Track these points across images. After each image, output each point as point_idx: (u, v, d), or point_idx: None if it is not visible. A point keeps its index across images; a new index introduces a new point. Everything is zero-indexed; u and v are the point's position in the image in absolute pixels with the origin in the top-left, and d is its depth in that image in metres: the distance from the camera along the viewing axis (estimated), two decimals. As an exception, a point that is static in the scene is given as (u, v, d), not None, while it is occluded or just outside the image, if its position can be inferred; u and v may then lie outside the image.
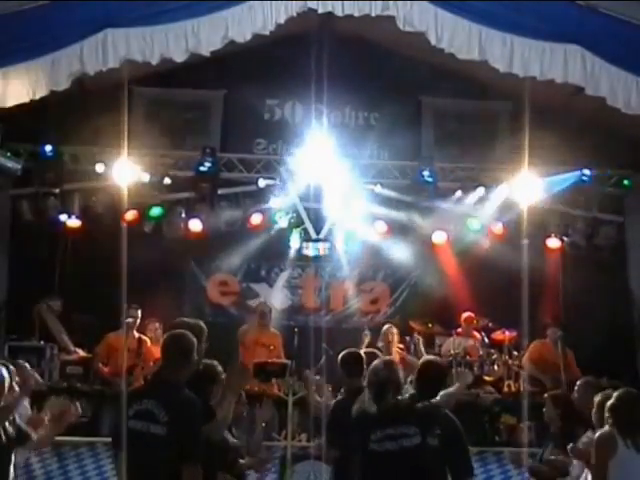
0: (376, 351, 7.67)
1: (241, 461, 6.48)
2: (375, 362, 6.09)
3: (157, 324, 11.13)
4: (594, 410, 5.95)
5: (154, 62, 9.32)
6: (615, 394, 5.64)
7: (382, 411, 5.78)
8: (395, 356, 10.93)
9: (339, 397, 7.21)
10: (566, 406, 7.03)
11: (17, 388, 6.06)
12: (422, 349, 11.20)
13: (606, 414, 5.63)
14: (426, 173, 12.16)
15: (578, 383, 7.19)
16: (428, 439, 5.71)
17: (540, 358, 11.16)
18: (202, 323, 5.73)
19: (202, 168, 12.02)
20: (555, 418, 7.03)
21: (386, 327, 11.24)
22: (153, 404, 5.09)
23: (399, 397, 5.86)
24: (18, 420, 5.97)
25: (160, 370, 5.41)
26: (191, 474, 4.97)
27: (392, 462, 5.66)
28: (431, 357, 7.66)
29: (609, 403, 5.60)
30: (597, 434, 5.56)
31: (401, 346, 11.22)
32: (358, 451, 5.80)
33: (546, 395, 7.43)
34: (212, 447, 5.26)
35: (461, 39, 9.41)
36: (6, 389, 5.86)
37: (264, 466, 7.76)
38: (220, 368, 5.83)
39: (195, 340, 5.29)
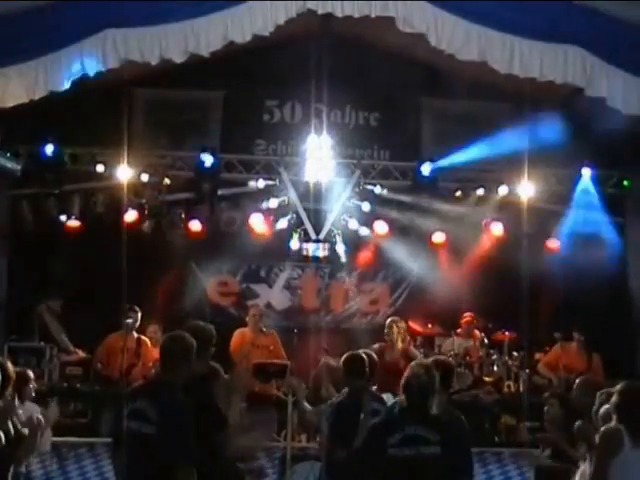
0: (372, 353, 7.65)
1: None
2: (414, 367, 5.75)
3: (156, 326, 11.12)
4: (594, 408, 5.87)
5: (154, 62, 9.31)
6: (619, 388, 5.47)
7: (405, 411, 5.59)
8: (399, 347, 10.86)
9: (340, 398, 7.22)
10: (570, 409, 6.95)
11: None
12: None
13: (605, 407, 5.52)
14: (426, 173, 12.18)
15: (576, 382, 7.10)
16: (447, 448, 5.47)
17: (558, 361, 11.15)
18: (212, 327, 5.76)
19: (202, 168, 12.03)
20: (558, 419, 6.96)
21: (390, 320, 11.20)
22: (146, 404, 5.13)
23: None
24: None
25: (158, 370, 5.43)
26: (184, 474, 4.98)
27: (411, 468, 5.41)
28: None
29: (615, 399, 5.44)
30: (602, 429, 5.43)
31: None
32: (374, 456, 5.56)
33: (547, 394, 7.36)
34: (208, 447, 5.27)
35: (461, 40, 9.40)
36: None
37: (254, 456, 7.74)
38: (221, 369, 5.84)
39: (194, 342, 5.30)
